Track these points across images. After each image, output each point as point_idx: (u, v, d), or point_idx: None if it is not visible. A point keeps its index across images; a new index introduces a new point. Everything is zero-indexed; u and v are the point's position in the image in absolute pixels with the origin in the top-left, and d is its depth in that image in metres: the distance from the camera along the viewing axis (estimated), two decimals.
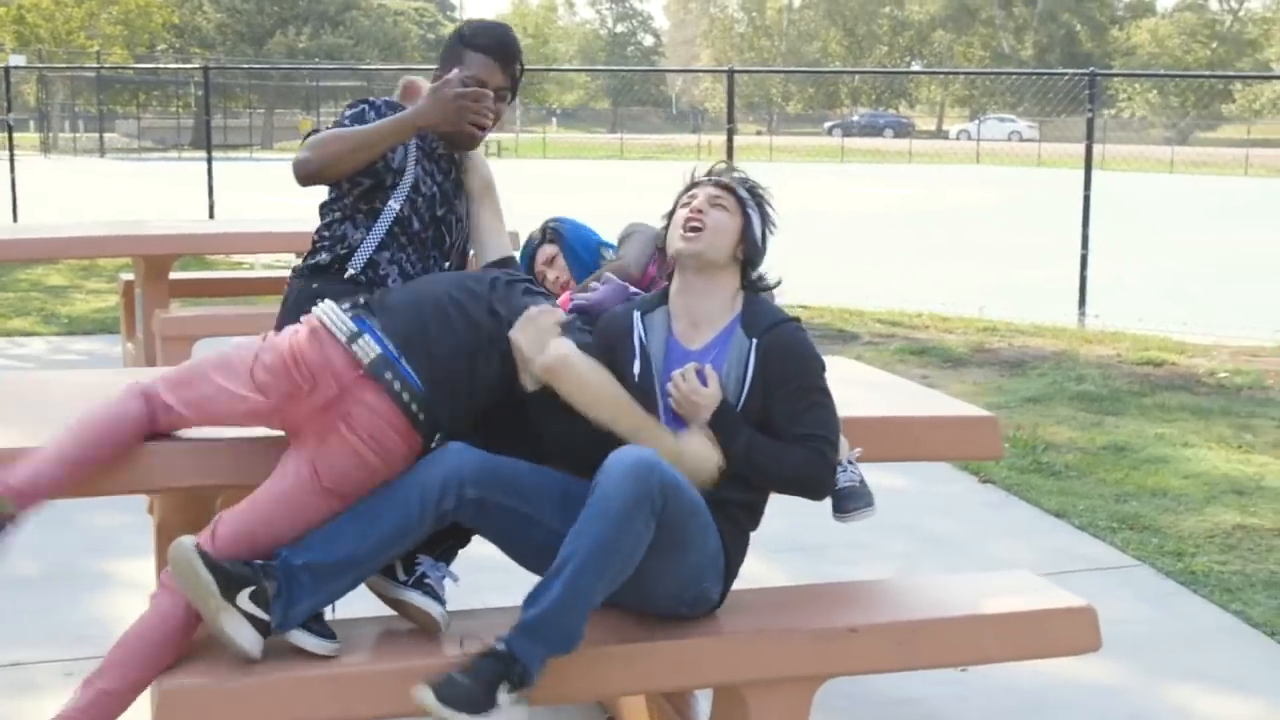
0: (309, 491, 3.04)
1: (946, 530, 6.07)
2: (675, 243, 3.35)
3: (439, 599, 3.18)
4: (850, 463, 3.56)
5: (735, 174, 3.48)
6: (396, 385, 3.07)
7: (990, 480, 6.78)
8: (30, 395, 3.85)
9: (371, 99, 3.70)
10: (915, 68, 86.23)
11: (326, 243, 3.64)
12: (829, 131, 67.38)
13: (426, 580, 3.17)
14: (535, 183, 32.58)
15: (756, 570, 5.29)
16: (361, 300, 3.24)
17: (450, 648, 3.09)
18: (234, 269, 13.27)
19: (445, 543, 3.25)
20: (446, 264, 3.75)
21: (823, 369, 3.34)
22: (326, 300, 3.23)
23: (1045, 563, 5.52)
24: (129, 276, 8.58)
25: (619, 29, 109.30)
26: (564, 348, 3.20)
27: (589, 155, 51.69)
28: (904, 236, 20.31)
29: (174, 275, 8.19)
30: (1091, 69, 13.10)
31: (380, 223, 3.60)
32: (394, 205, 3.59)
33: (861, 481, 3.57)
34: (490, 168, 3.91)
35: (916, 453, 3.79)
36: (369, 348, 3.10)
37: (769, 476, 3.24)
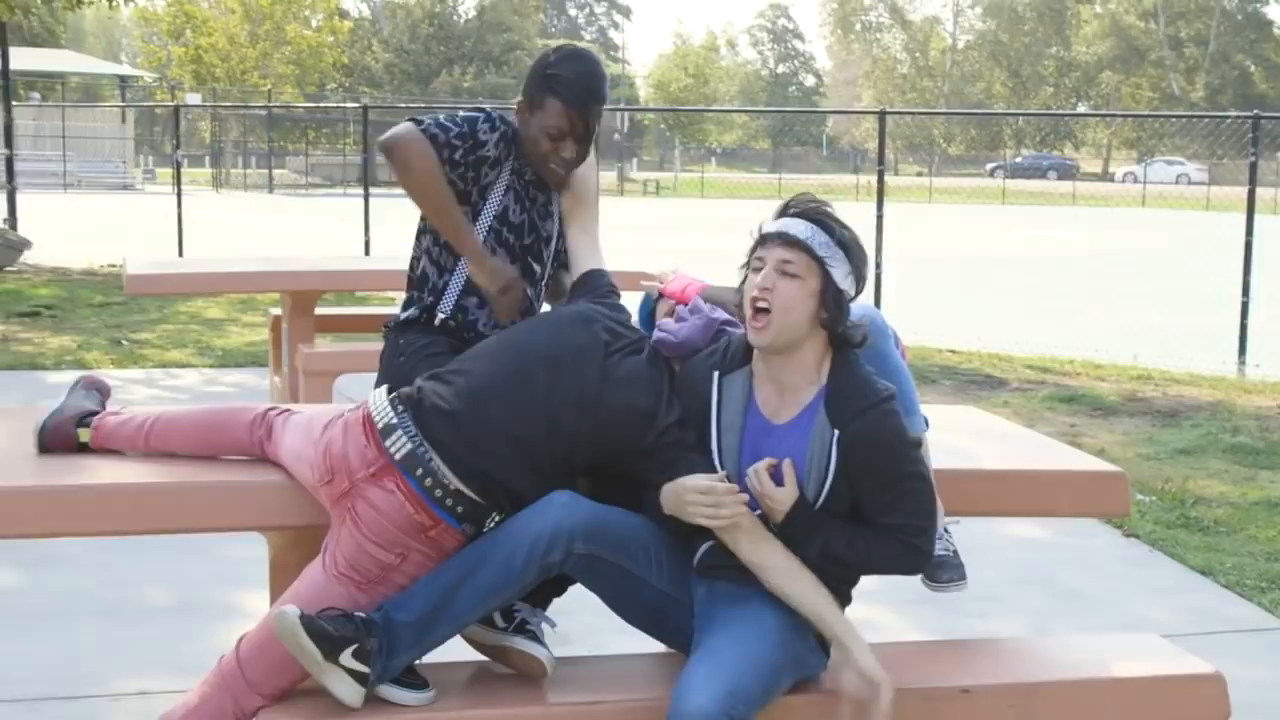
0: (326, 577, 3.08)
1: (1084, 586, 5.89)
2: (747, 328, 3.12)
3: (542, 643, 3.15)
4: (946, 531, 3.45)
5: (810, 210, 3.17)
6: (428, 481, 3.04)
7: (1134, 535, 6.57)
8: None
9: (490, 111, 3.62)
10: (1081, 109, 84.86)
11: (414, 291, 3.64)
12: (991, 173, 66.52)
13: (528, 626, 3.15)
14: (692, 222, 32.68)
15: (885, 621, 5.19)
16: (418, 387, 3.18)
17: (552, 694, 3.06)
18: (384, 305, 13.48)
19: (542, 590, 3.22)
20: (537, 290, 3.71)
21: (916, 450, 3.18)
22: (378, 392, 3.20)
23: (1186, 623, 5.32)
24: (278, 311, 8.74)
25: (780, 69, 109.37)
26: (736, 521, 3.04)
27: (747, 195, 51.62)
28: (1061, 280, 19.92)
29: (321, 310, 8.32)
30: (1256, 111, 12.73)
31: (461, 264, 3.58)
32: (479, 235, 3.58)
33: (955, 553, 3.46)
34: (592, 179, 3.82)
35: (1041, 508, 3.69)
36: (399, 444, 3.07)
37: (854, 569, 3.15)
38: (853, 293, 3.15)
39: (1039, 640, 3.56)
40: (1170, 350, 11.95)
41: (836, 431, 3.05)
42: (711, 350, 3.27)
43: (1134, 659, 3.35)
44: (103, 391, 3.70)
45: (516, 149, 3.61)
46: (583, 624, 5.11)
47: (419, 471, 3.03)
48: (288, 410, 3.43)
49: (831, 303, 3.09)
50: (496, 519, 3.09)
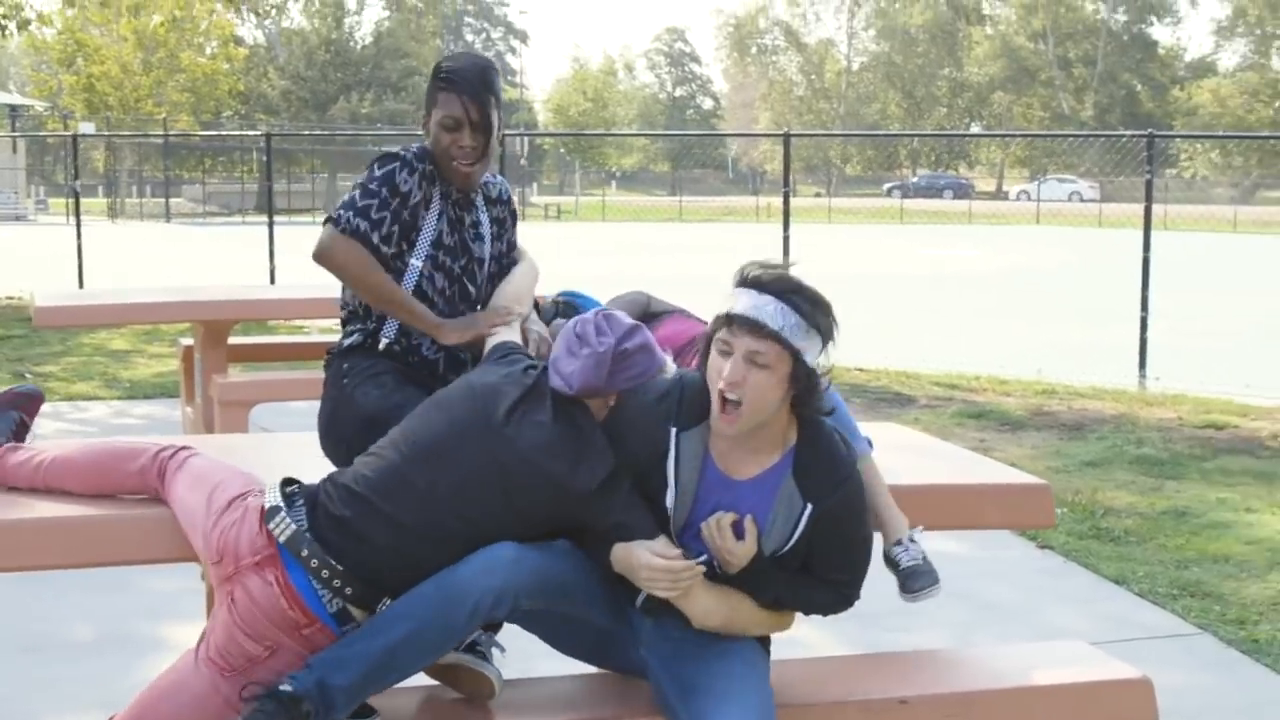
0: (194, 661, 2.98)
1: (1003, 597, 6.00)
2: (712, 418, 3.00)
3: (491, 663, 3.17)
4: (912, 540, 3.52)
5: (778, 285, 2.97)
6: (314, 563, 2.94)
7: (1048, 546, 6.70)
8: None
9: (403, 153, 3.55)
10: (974, 129, 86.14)
11: (356, 320, 3.62)
12: (888, 193, 67.35)
13: (477, 646, 3.17)
14: (594, 246, 32.73)
15: (809, 637, 5.25)
16: (317, 485, 3.09)
17: (503, 717, 3.08)
18: (293, 333, 13.39)
19: None
20: (477, 303, 3.68)
21: (870, 518, 3.22)
22: (272, 484, 3.11)
23: (1103, 631, 5.44)
24: (189, 341, 8.66)
25: (678, 92, 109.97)
26: (697, 601, 3.01)
27: (649, 218, 51.86)
28: (963, 298, 20.23)
29: (233, 340, 8.26)
30: (1150, 130, 13.02)
31: (404, 289, 3.54)
32: (415, 264, 3.55)
33: (924, 559, 3.52)
34: (526, 283, 3.82)
35: (968, 521, 3.76)
36: (284, 526, 2.97)
37: (786, 608, 3.20)
38: (827, 366, 3.07)
39: (972, 650, 3.64)
40: (1073, 365, 12.19)
41: (809, 505, 3.02)
42: (663, 395, 3.11)
43: (1064, 666, 3.44)
44: (26, 408, 3.63)
45: (439, 175, 3.60)
46: (518, 649, 5.13)
47: (304, 553, 2.94)
48: (183, 451, 3.33)
49: (804, 385, 3.01)
50: (388, 602, 2.98)
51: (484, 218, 3.73)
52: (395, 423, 3.16)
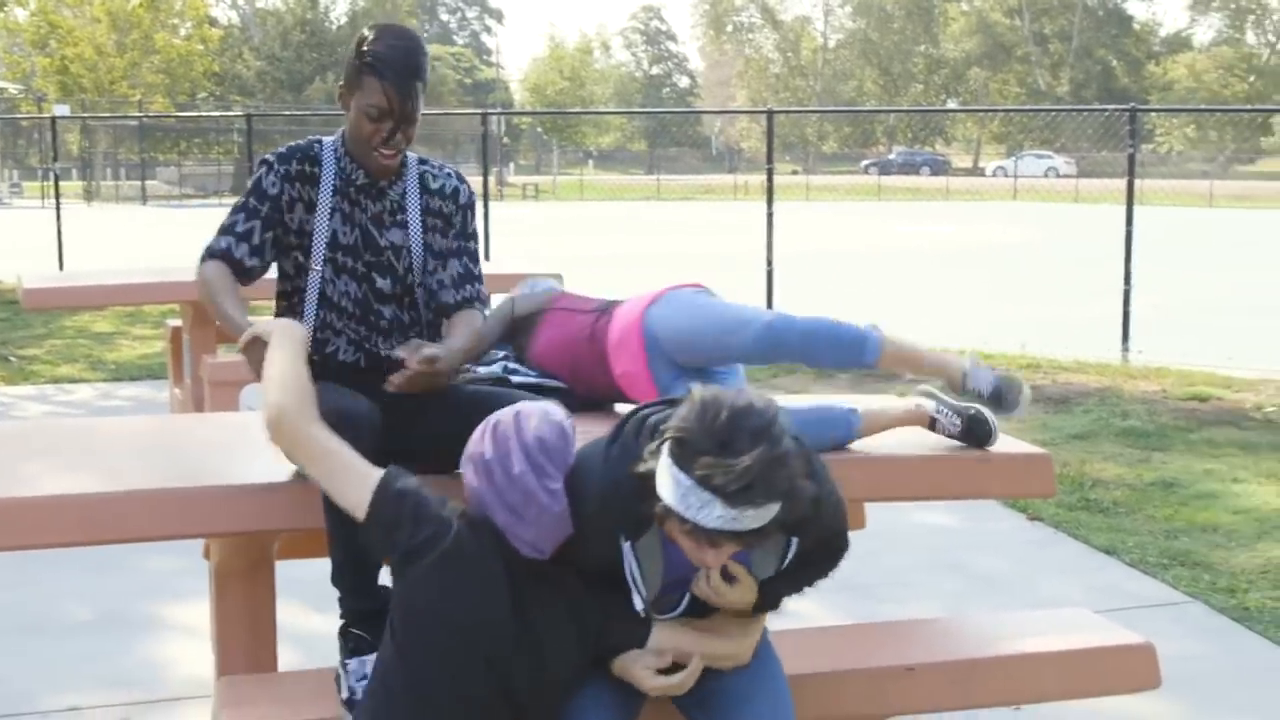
0: None
1: (995, 568, 6.04)
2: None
3: None
4: (975, 365, 3.77)
5: (766, 490, 2.49)
6: None
7: (1038, 518, 6.75)
8: (75, 442, 3.86)
9: (269, 157, 3.42)
10: (951, 105, 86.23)
11: None
12: (865, 170, 67.42)
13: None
14: (572, 225, 32.72)
15: (807, 610, 5.28)
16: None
17: None
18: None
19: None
20: (403, 296, 3.47)
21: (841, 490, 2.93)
22: None
23: (1095, 600, 5.48)
24: (176, 323, 8.65)
25: (655, 70, 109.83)
26: (717, 653, 2.84)
27: (626, 197, 51.82)
28: (943, 274, 20.27)
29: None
30: (1132, 105, 13.05)
31: (309, 301, 3.41)
32: (315, 270, 3.40)
33: (994, 372, 3.76)
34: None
35: (969, 490, 3.79)
36: None
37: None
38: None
39: (975, 618, 3.67)
40: (1056, 339, 12.24)
41: (795, 540, 2.79)
42: (604, 503, 2.70)
43: (1068, 633, 3.47)
44: None
45: (326, 167, 3.43)
46: None
47: None
48: None
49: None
50: None
51: (412, 203, 3.49)
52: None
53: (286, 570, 3.70)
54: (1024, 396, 3.62)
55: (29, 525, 3.18)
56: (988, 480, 3.73)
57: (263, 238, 3.41)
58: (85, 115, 45.48)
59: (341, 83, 3.41)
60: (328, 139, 3.50)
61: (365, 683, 2.97)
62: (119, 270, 10.41)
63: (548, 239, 27.31)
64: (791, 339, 3.63)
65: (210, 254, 3.44)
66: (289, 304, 3.49)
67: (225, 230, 3.44)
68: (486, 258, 13.62)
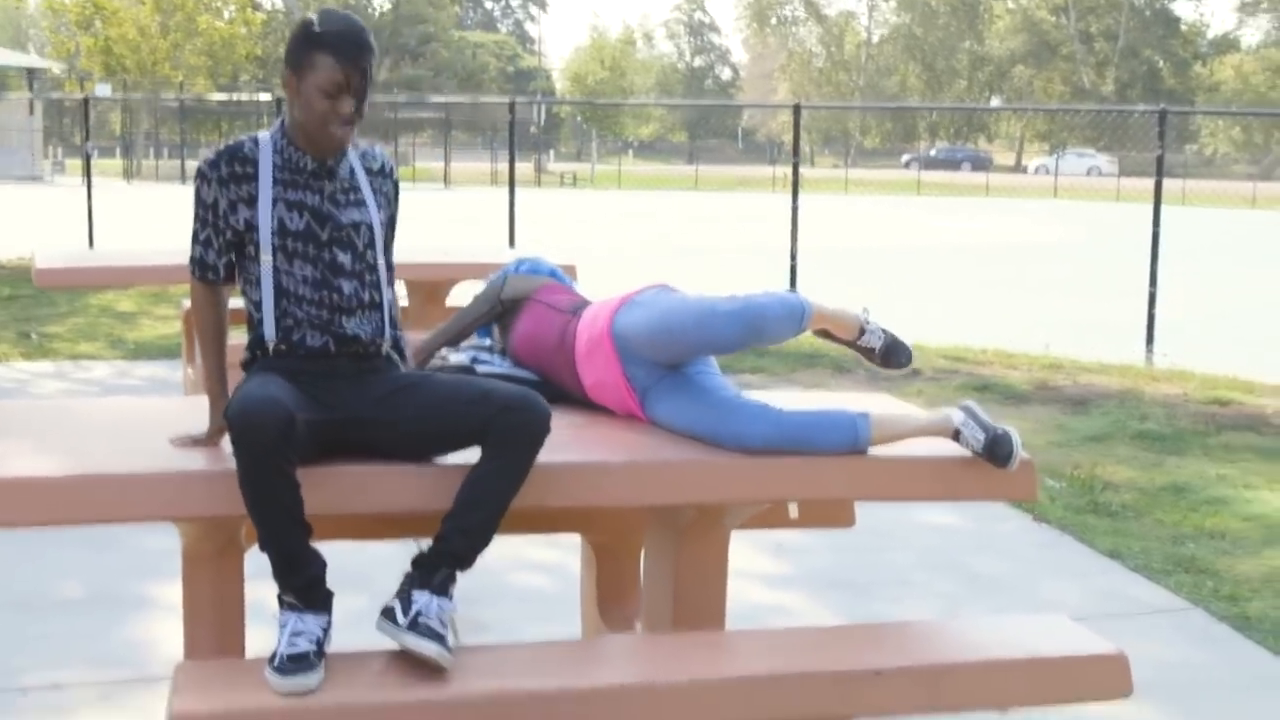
0: None
1: (996, 570, 5.97)
2: None
3: (438, 636, 3.12)
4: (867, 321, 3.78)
5: None
6: None
7: (1044, 520, 6.68)
8: (52, 423, 3.84)
9: (200, 165, 3.46)
10: (994, 102, 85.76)
11: (248, 335, 3.51)
12: (906, 165, 67.13)
13: (423, 620, 3.12)
14: (610, 214, 32.70)
15: (799, 605, 5.25)
16: None
17: (460, 682, 3.05)
18: None
19: (438, 570, 3.20)
20: (363, 273, 3.48)
21: None
22: None
23: (1095, 605, 5.42)
24: (189, 304, 8.64)
25: (697, 62, 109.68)
26: None
27: (664, 186, 51.78)
28: (975, 271, 20.15)
29: (235, 303, 8.23)
30: (1162, 106, 12.92)
31: (265, 292, 3.41)
32: (266, 259, 3.39)
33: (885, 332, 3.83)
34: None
35: (950, 493, 3.72)
36: None
37: None
38: None
39: (948, 623, 3.61)
40: (1081, 339, 12.14)
41: None
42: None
43: (1040, 639, 3.41)
44: None
45: (264, 160, 3.42)
46: (502, 612, 5.14)
47: None
48: None
49: None
50: None
51: (362, 182, 3.52)
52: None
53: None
54: (907, 358, 3.75)
55: (11, 504, 3.18)
56: (969, 483, 3.66)
57: (220, 241, 3.46)
58: (122, 96, 45.74)
59: (287, 69, 3.40)
60: (263, 133, 3.50)
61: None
62: (139, 250, 10.43)
63: (584, 228, 27.29)
64: (751, 315, 3.59)
65: (192, 268, 3.50)
66: (251, 301, 3.48)
67: (194, 238, 3.49)
68: (511, 245, 13.58)
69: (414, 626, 3.11)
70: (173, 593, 5.22)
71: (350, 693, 2.99)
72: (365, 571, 4.79)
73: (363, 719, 2.95)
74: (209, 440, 3.47)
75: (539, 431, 3.22)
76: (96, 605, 5.18)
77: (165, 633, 4.88)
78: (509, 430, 3.20)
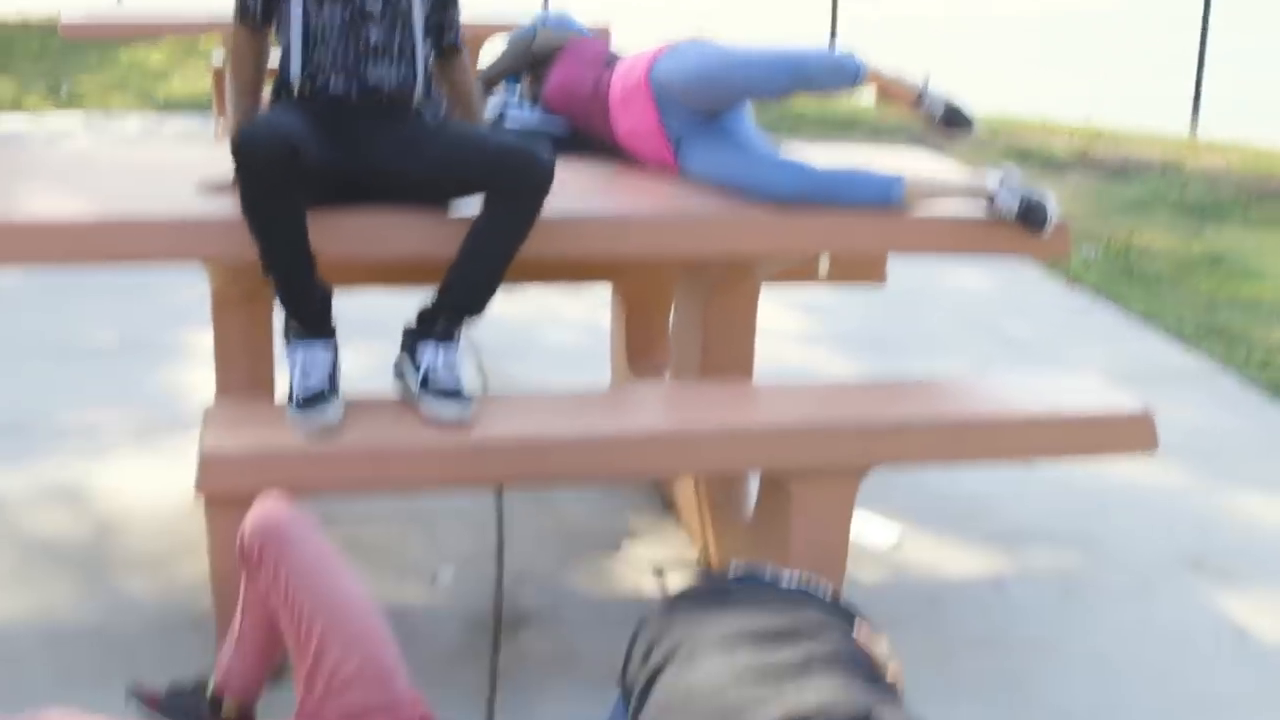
0: None
1: (1027, 333, 5.95)
2: None
3: (454, 392, 3.12)
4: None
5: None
6: None
7: (1079, 284, 6.62)
8: (82, 167, 3.81)
9: None
10: None
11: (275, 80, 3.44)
12: None
13: (433, 377, 3.11)
14: None
15: (827, 363, 5.26)
16: None
17: (480, 428, 3.06)
18: None
19: (439, 319, 3.18)
20: (394, 20, 3.38)
21: None
22: None
23: (1126, 368, 5.41)
24: (218, 65, 8.53)
25: None
26: None
27: None
28: (1019, 41, 19.71)
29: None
30: None
31: (293, 34, 3.34)
32: (295, 8, 3.32)
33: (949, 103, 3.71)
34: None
35: (982, 246, 3.65)
36: None
37: None
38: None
39: (973, 379, 3.58)
40: (1128, 110, 11.89)
41: None
42: None
43: (1067, 395, 3.39)
44: None
45: None
46: (530, 366, 5.16)
47: None
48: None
49: None
50: None
51: None
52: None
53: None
54: (970, 126, 3.63)
55: (25, 245, 3.17)
56: (998, 238, 3.59)
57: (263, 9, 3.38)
58: None
59: None
60: None
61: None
62: (167, 6, 10.27)
63: None
64: (798, 60, 3.49)
65: (235, 11, 3.39)
66: (281, 45, 3.41)
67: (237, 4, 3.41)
68: (544, 6, 13.31)
69: (425, 385, 3.10)
70: (201, 341, 5.30)
71: (379, 434, 3.00)
72: (382, 319, 4.81)
73: (392, 461, 2.97)
74: (235, 186, 3.43)
75: (540, 181, 3.13)
76: (129, 352, 5.22)
77: (198, 378, 4.94)
78: (509, 178, 3.13)
